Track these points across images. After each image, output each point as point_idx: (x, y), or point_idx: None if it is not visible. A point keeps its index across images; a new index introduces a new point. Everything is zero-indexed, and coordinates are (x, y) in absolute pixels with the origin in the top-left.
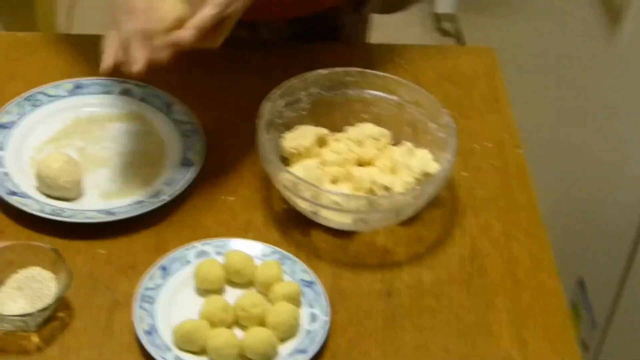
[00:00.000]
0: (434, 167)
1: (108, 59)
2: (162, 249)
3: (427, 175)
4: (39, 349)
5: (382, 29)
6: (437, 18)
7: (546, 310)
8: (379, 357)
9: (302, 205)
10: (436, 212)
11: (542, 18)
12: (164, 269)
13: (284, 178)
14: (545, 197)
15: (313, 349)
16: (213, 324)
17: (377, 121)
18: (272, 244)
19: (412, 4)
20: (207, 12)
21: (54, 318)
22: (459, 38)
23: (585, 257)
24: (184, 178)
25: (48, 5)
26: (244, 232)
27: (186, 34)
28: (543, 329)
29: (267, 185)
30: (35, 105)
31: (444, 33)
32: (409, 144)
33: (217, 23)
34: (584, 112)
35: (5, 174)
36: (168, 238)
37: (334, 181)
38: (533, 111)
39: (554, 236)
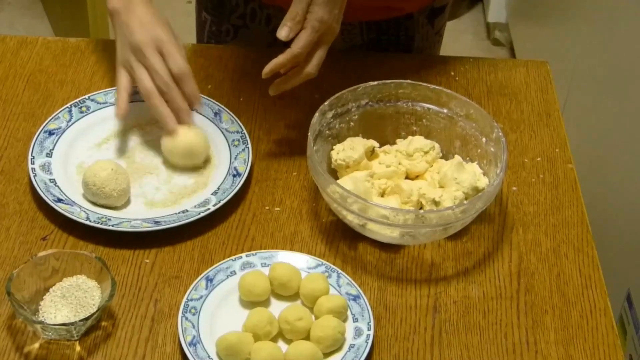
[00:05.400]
0: (483, 181)
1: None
2: (207, 260)
3: (476, 189)
4: (81, 358)
5: None
6: (489, 27)
7: (595, 329)
8: None
9: (350, 218)
10: (485, 227)
11: (595, 28)
12: (208, 279)
13: (332, 190)
14: (593, 210)
15: None
16: (257, 337)
17: (427, 134)
18: (318, 256)
19: (464, 13)
20: (304, 36)
21: (98, 327)
22: (510, 47)
23: (633, 271)
24: (230, 188)
25: (100, 11)
26: (290, 244)
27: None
28: (591, 348)
29: (314, 196)
30: (84, 112)
31: (495, 42)
32: (458, 158)
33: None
34: (637, 126)
35: (52, 180)
36: (213, 248)
37: (382, 194)
38: (585, 125)
39: (601, 249)
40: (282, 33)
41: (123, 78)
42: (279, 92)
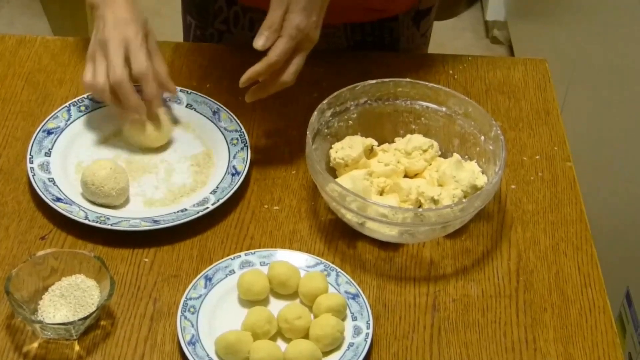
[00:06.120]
0: (482, 179)
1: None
2: (206, 259)
3: (474, 187)
4: (80, 358)
5: (433, 36)
6: (488, 25)
7: (594, 327)
8: None
9: (349, 217)
10: (483, 225)
11: (594, 26)
12: (207, 278)
13: (331, 189)
14: (592, 208)
15: None
16: (256, 336)
17: (426, 132)
18: (317, 255)
19: (462, 12)
20: (280, 44)
21: (97, 327)
22: (508, 45)
23: (632, 269)
24: (229, 187)
25: None
26: (289, 243)
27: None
28: (590, 346)
29: (312, 195)
30: (82, 111)
31: (494, 40)
32: (457, 156)
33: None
34: (635, 124)
35: (51, 180)
36: (212, 247)
37: (381, 192)
38: (583, 123)
39: (600, 247)
40: (259, 42)
41: (87, 74)
42: (255, 99)
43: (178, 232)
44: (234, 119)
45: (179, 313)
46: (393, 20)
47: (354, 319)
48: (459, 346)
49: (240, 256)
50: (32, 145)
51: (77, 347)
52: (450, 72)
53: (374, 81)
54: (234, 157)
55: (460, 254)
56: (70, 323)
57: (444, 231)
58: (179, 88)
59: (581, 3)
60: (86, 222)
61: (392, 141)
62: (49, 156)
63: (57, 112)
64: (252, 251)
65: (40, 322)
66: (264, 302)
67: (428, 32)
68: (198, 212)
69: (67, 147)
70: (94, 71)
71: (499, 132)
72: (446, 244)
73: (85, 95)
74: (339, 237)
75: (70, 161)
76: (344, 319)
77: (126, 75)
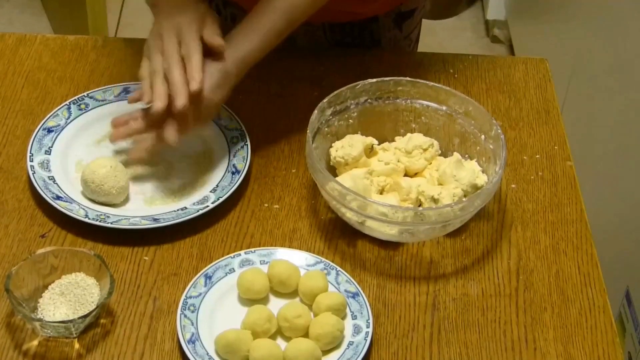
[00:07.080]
0: (482, 179)
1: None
2: (206, 257)
3: (475, 187)
4: (80, 356)
5: (433, 35)
6: (488, 24)
7: (594, 327)
8: None
9: (349, 215)
10: (483, 225)
11: (594, 25)
12: (207, 277)
13: (331, 188)
14: (592, 208)
15: None
16: (256, 334)
17: (426, 131)
18: (317, 254)
19: (463, 11)
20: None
21: (96, 325)
22: (509, 44)
23: (632, 269)
24: (229, 185)
25: (98, 8)
26: (289, 241)
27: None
28: (590, 346)
29: (313, 193)
30: (82, 110)
31: (494, 39)
32: (457, 155)
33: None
34: (635, 124)
35: (51, 178)
36: (212, 246)
37: (381, 191)
38: (584, 122)
39: (600, 247)
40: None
41: (143, 66)
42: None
43: (178, 230)
44: (234, 118)
45: (179, 311)
46: (373, 21)
47: (354, 317)
48: (458, 345)
49: (240, 255)
50: (32, 143)
51: (76, 345)
52: (451, 71)
53: (374, 80)
54: (234, 156)
55: (460, 253)
56: (70, 321)
57: (444, 230)
58: None
59: (581, 3)
60: (86, 220)
61: (393, 140)
62: (49, 154)
63: (57, 110)
64: (252, 250)
65: (40, 320)
66: (264, 300)
67: (413, 34)
68: (198, 211)
69: (67, 146)
70: (151, 61)
71: (499, 131)
72: (446, 243)
73: (85, 94)
74: (339, 235)
75: (71, 159)
76: (343, 318)
77: (178, 61)
